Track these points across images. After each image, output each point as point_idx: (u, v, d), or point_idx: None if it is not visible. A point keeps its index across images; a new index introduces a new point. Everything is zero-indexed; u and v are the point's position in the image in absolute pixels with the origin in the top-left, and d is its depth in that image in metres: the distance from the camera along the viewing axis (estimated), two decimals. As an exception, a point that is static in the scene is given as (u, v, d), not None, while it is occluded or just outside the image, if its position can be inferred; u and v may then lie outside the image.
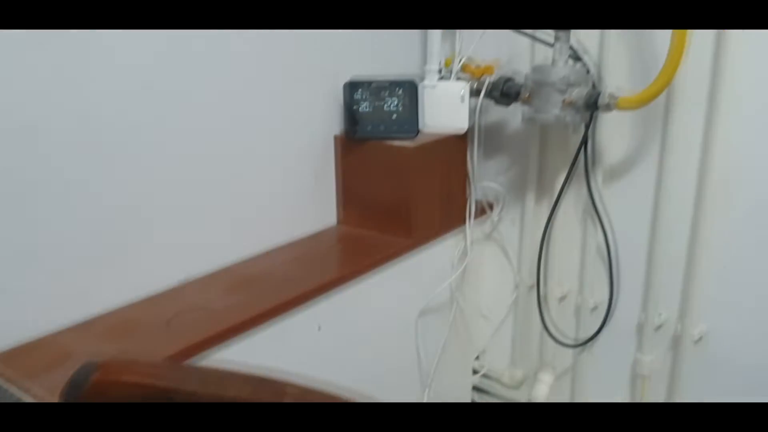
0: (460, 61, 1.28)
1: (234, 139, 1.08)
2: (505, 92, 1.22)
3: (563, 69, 1.12)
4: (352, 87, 1.21)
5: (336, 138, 1.26)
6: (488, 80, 1.24)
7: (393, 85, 1.22)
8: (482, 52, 1.28)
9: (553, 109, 1.12)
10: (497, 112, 1.33)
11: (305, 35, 1.15)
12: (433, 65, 1.30)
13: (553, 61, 1.14)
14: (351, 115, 1.21)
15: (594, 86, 1.16)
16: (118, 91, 0.91)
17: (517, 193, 1.40)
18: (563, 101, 1.11)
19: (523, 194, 1.37)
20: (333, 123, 1.25)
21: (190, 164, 1.02)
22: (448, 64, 1.30)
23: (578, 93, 1.11)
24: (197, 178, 1.03)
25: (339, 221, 1.30)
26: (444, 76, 1.30)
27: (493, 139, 1.39)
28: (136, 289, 0.99)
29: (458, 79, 1.28)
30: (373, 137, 1.22)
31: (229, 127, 1.07)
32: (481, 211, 1.39)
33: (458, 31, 1.29)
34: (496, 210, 1.43)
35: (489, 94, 1.24)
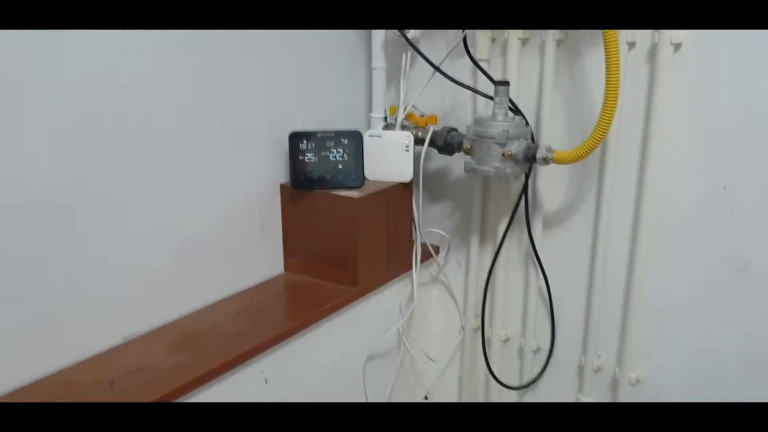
0: (405, 109, 1.31)
1: (177, 189, 1.07)
2: (448, 142, 1.25)
3: (503, 122, 1.15)
4: (296, 137, 1.22)
5: (282, 187, 1.26)
6: (432, 129, 1.27)
7: (338, 136, 1.24)
8: (426, 101, 1.32)
9: (493, 162, 1.16)
10: (441, 160, 1.36)
11: (251, 82, 1.16)
12: (378, 113, 1.33)
13: (494, 114, 1.17)
14: (296, 165, 1.22)
15: (533, 139, 1.21)
16: (50, 147, 0.89)
17: (461, 237, 1.43)
18: (503, 154, 1.14)
19: (468, 239, 1.40)
20: (279, 172, 1.26)
21: (130, 216, 1.01)
22: (393, 111, 1.33)
23: (517, 146, 1.15)
24: (138, 230, 1.02)
25: (286, 270, 1.30)
26: (389, 124, 1.32)
27: (437, 185, 1.43)
28: (77, 350, 0.97)
29: (403, 127, 1.31)
30: (319, 187, 1.23)
31: (173, 178, 1.06)
32: (427, 255, 1.41)
33: (403, 79, 1.32)
34: (442, 254, 1.45)
35: (432, 144, 1.27)
